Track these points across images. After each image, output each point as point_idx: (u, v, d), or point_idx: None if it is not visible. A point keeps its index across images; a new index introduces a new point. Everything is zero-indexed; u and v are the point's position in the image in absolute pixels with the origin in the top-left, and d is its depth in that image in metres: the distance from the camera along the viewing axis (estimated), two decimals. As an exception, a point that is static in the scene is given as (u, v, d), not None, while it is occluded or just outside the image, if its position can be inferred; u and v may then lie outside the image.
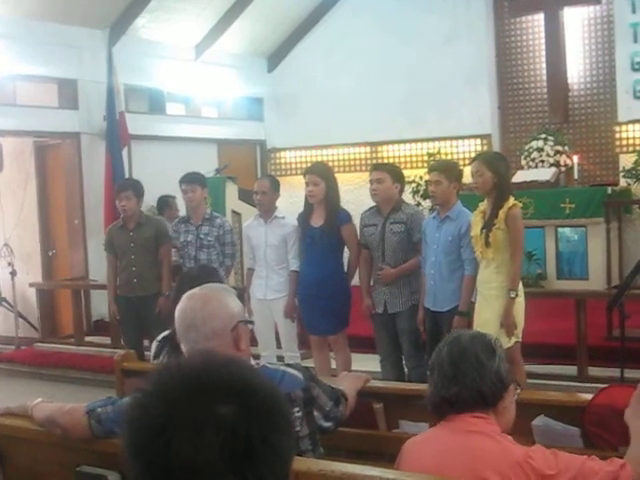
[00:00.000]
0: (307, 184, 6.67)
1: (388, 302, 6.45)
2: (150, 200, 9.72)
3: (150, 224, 7.72)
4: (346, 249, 6.80)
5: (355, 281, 6.89)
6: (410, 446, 2.68)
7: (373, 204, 6.68)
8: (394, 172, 6.54)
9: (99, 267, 10.34)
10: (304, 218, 6.80)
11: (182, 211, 9.74)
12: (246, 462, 1.21)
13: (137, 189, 7.61)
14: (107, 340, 9.80)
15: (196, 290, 2.77)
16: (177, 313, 2.73)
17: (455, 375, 2.54)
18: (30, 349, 10.22)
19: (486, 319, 5.74)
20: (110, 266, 7.84)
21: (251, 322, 2.91)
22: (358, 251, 6.69)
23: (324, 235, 6.61)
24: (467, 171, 6.21)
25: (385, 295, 6.47)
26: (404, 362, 6.51)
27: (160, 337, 4.16)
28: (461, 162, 9.99)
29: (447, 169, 6.27)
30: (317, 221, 6.69)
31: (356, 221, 6.77)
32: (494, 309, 5.72)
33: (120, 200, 7.57)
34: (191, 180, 7.40)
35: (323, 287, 6.63)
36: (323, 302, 6.64)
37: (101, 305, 10.07)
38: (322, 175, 6.68)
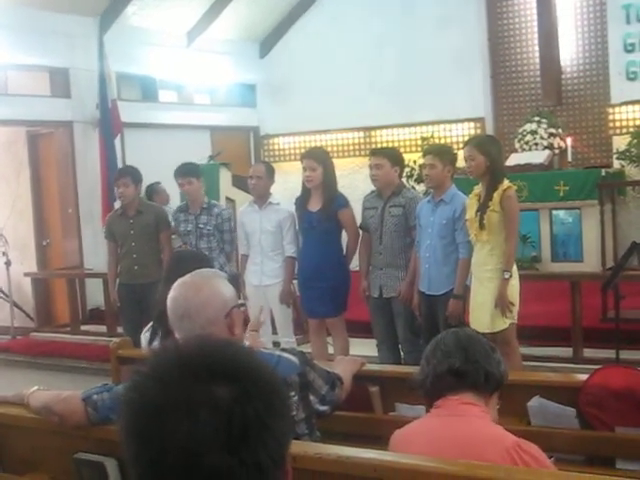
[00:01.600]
0: (304, 169, 6.65)
1: (384, 286, 6.46)
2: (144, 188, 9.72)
3: (149, 211, 7.71)
4: (344, 233, 6.80)
5: (354, 265, 6.90)
6: (400, 436, 2.66)
7: (368, 189, 6.68)
8: (392, 156, 6.53)
9: (94, 256, 10.36)
10: (301, 203, 6.79)
11: (173, 195, 9.73)
12: (242, 444, 1.21)
13: (135, 176, 7.60)
14: (103, 328, 9.81)
15: (187, 278, 2.74)
16: (169, 302, 2.70)
17: (461, 351, 2.56)
18: (26, 338, 10.22)
19: (481, 301, 5.76)
20: (111, 254, 7.82)
21: (243, 305, 2.89)
22: (356, 235, 6.70)
23: (322, 220, 6.61)
24: (461, 155, 6.21)
25: (381, 279, 6.48)
26: (400, 346, 6.52)
27: (146, 329, 4.16)
28: (455, 146, 9.97)
29: (441, 153, 6.27)
30: (314, 206, 6.68)
31: (353, 205, 6.77)
32: (489, 291, 5.73)
33: (118, 187, 7.58)
34: (185, 172, 7.36)
35: (322, 271, 6.63)
36: (322, 285, 6.63)
37: (96, 294, 10.07)
38: (319, 160, 6.66)
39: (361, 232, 6.69)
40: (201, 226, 7.33)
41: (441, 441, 2.50)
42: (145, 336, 4.16)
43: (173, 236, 7.83)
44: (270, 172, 7.06)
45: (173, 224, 7.66)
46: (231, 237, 7.44)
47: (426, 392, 2.65)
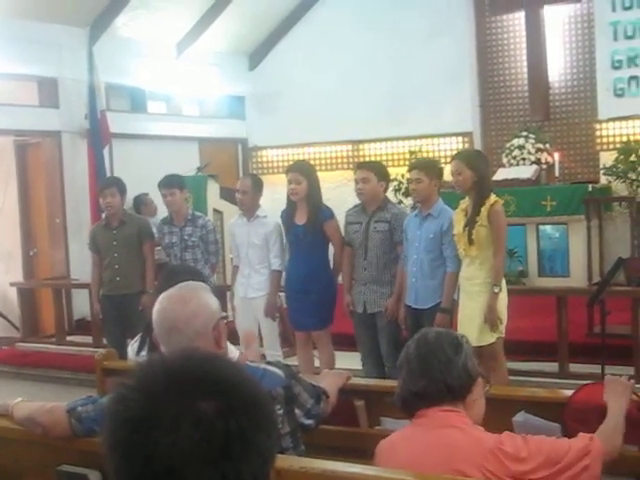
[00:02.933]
0: (289, 182, 6.66)
1: (367, 302, 6.46)
2: (131, 198, 9.70)
3: (133, 222, 7.71)
4: (331, 245, 6.80)
5: (341, 278, 6.89)
6: (385, 445, 2.69)
7: (355, 202, 6.69)
8: (379, 170, 6.54)
9: (80, 266, 10.31)
10: (287, 216, 6.79)
11: (160, 205, 9.70)
12: (224, 458, 1.21)
13: (120, 186, 7.61)
14: (89, 339, 9.75)
15: (173, 290, 2.73)
16: (155, 315, 2.68)
17: (422, 370, 2.56)
18: (11, 349, 10.16)
19: (470, 315, 5.77)
20: (94, 265, 7.81)
21: (226, 317, 2.88)
22: (342, 246, 6.70)
23: (308, 232, 6.62)
24: (448, 169, 6.23)
25: (364, 295, 6.48)
26: (384, 360, 6.51)
27: (134, 339, 4.15)
28: (443, 160, 10.02)
29: (427, 167, 6.29)
30: (301, 219, 6.69)
31: (340, 219, 6.78)
32: (478, 305, 5.74)
33: (105, 197, 7.55)
34: (169, 184, 7.37)
35: (309, 282, 6.63)
36: (309, 297, 6.64)
37: (82, 304, 10.03)
38: (304, 173, 6.68)
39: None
40: (186, 238, 7.35)
41: (424, 450, 2.52)
42: (133, 347, 4.15)
43: (157, 248, 7.81)
44: (257, 186, 7.06)
45: (157, 236, 7.65)
46: (216, 248, 7.48)
47: (402, 410, 2.68)
